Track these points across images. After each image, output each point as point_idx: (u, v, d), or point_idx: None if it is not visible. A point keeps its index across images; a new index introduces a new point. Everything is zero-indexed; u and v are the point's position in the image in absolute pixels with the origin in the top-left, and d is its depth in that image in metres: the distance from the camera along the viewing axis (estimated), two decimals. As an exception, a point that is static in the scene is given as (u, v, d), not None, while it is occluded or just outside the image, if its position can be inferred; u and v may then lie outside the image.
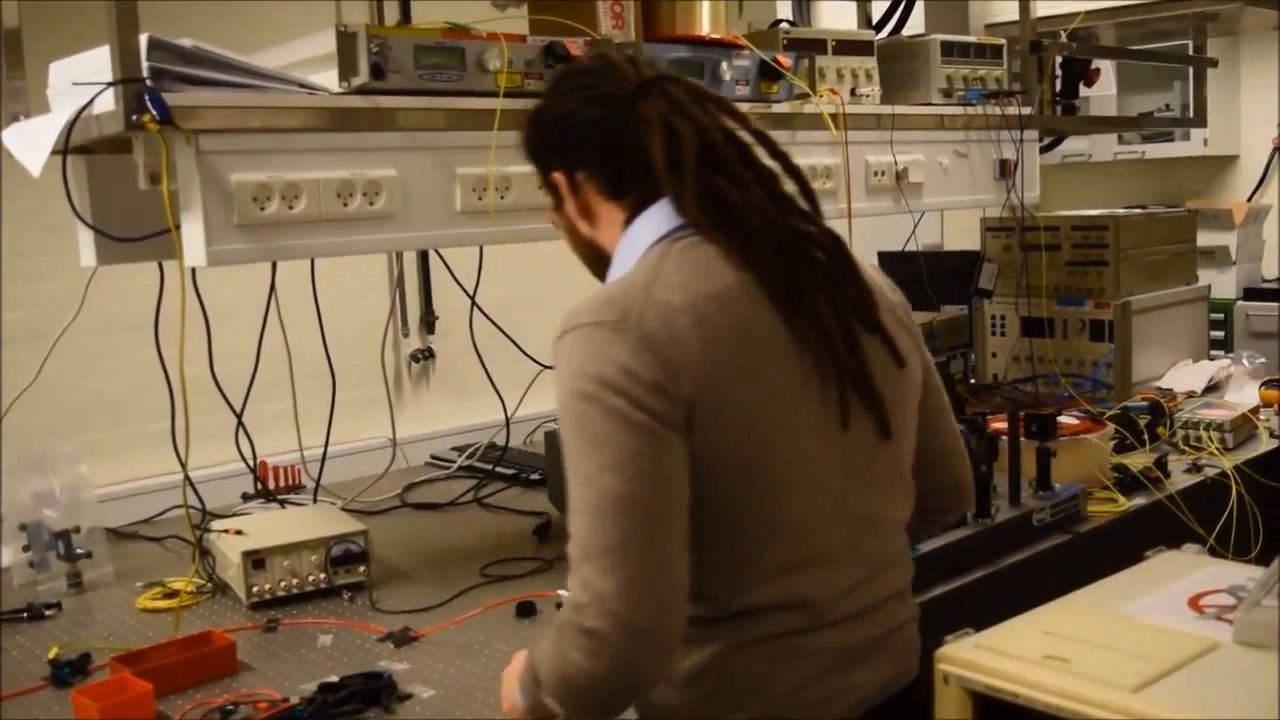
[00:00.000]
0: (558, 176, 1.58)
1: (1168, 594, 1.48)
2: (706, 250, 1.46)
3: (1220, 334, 4.56)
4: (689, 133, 1.48)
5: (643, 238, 1.51)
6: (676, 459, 1.37)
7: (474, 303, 2.76)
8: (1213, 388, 3.47)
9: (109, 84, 1.77)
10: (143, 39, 1.78)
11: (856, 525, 1.52)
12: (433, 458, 3.34)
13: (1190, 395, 3.40)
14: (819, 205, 1.56)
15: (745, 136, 1.55)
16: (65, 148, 1.89)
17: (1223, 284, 4.74)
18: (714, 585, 1.45)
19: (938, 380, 1.70)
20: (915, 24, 3.76)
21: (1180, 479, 2.75)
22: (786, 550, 1.46)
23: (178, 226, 1.84)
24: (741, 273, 1.44)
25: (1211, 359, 3.70)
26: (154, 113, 1.73)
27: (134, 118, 1.74)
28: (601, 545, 1.33)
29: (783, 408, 1.44)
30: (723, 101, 1.58)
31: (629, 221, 1.54)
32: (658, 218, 1.51)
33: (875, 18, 3.75)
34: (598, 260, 1.61)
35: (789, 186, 1.55)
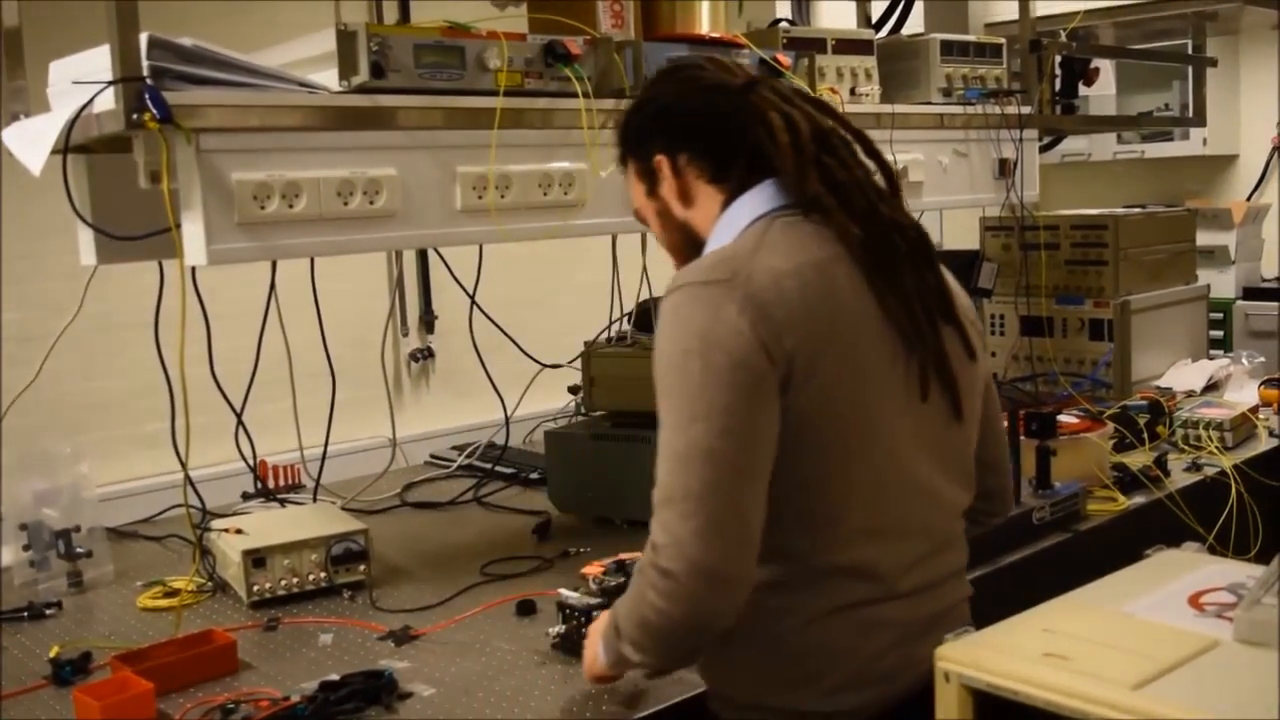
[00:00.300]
0: (660, 160, 1.67)
1: (1168, 592, 1.48)
2: (806, 227, 1.56)
3: (1219, 333, 4.57)
4: (804, 119, 1.59)
5: (743, 215, 1.61)
6: (768, 416, 1.46)
7: (474, 302, 2.76)
8: (1212, 387, 3.48)
9: (110, 83, 1.77)
10: (143, 38, 1.78)
11: (924, 498, 1.61)
12: (432, 457, 3.34)
13: (1190, 394, 3.41)
14: (903, 200, 1.67)
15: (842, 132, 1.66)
16: (66, 147, 1.89)
17: (1222, 283, 4.75)
18: (794, 542, 1.52)
19: (994, 388, 1.81)
20: (915, 23, 3.77)
21: (1180, 478, 2.75)
22: (862, 514, 1.54)
23: (178, 225, 1.84)
24: (839, 247, 1.55)
25: (1211, 358, 3.71)
26: (154, 111, 1.73)
27: (134, 116, 1.74)
28: (683, 491, 1.42)
29: (871, 374, 1.53)
30: (820, 102, 1.69)
31: (728, 202, 1.63)
32: (759, 198, 1.61)
33: (874, 17, 3.76)
34: (688, 242, 1.69)
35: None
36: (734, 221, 1.61)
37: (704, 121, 1.65)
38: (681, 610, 1.42)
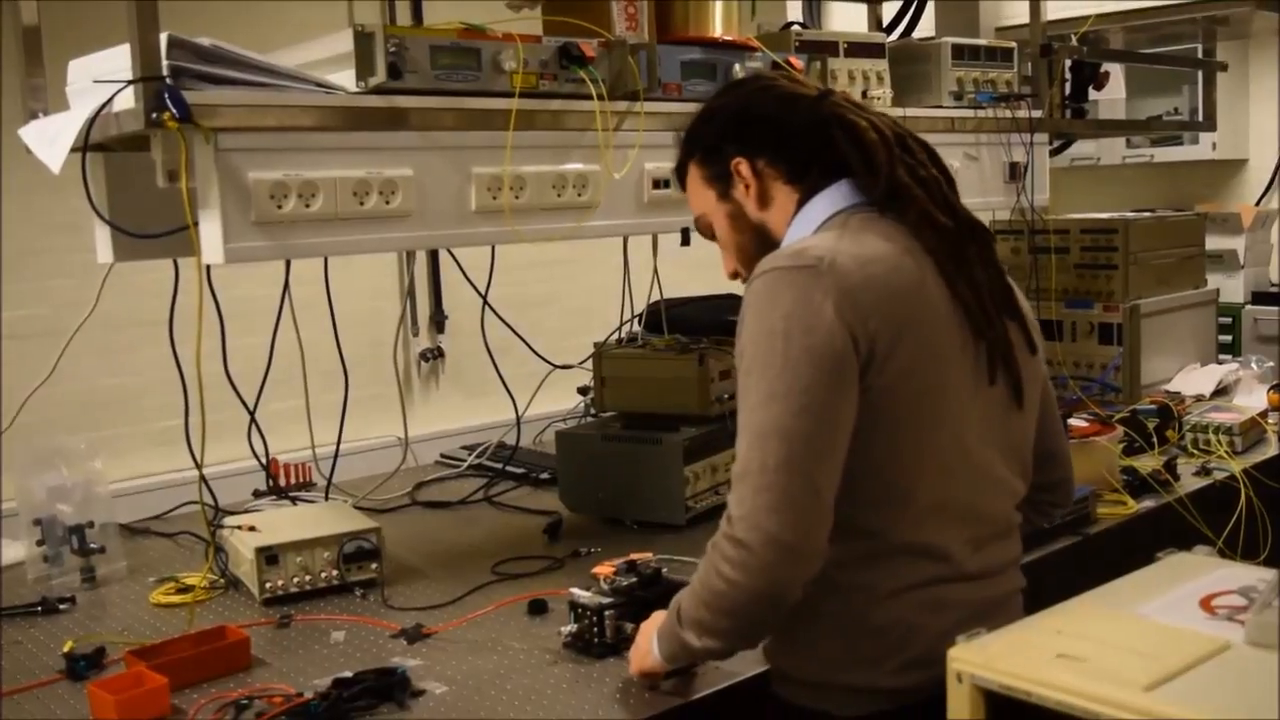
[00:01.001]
0: (740, 162, 1.73)
1: (1180, 595, 1.49)
2: (884, 221, 1.64)
3: (1228, 338, 4.57)
4: (882, 124, 1.69)
5: (819, 212, 1.68)
6: (847, 398, 1.52)
7: (486, 302, 2.77)
8: (1221, 391, 3.48)
9: (130, 82, 1.78)
10: (163, 38, 1.79)
11: (988, 483, 1.68)
12: (442, 456, 3.35)
13: (1199, 399, 3.41)
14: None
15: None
16: (85, 145, 1.90)
17: (1231, 288, 4.75)
18: (866, 520, 1.58)
19: (1051, 386, 1.88)
20: (926, 27, 3.77)
21: (1189, 482, 2.75)
22: (931, 493, 1.61)
23: (195, 224, 1.85)
24: (914, 240, 1.63)
25: (1220, 363, 3.71)
26: (174, 111, 1.74)
27: (154, 115, 1.75)
28: (759, 466, 1.49)
29: (944, 359, 1.60)
30: (883, 114, 1.75)
31: (804, 201, 1.70)
32: (834, 195, 1.69)
33: (886, 20, 3.76)
34: (760, 242, 1.75)
35: None
36: (810, 217, 1.69)
37: (784, 125, 1.72)
38: (753, 581, 1.48)
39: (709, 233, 1.84)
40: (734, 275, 1.84)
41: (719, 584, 1.51)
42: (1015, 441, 1.73)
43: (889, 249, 1.60)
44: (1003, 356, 1.66)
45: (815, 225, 1.67)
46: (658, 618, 1.72)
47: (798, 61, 2.53)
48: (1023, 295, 1.78)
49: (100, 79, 1.88)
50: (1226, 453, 2.90)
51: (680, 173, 1.85)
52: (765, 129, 1.73)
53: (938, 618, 1.58)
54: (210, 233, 1.86)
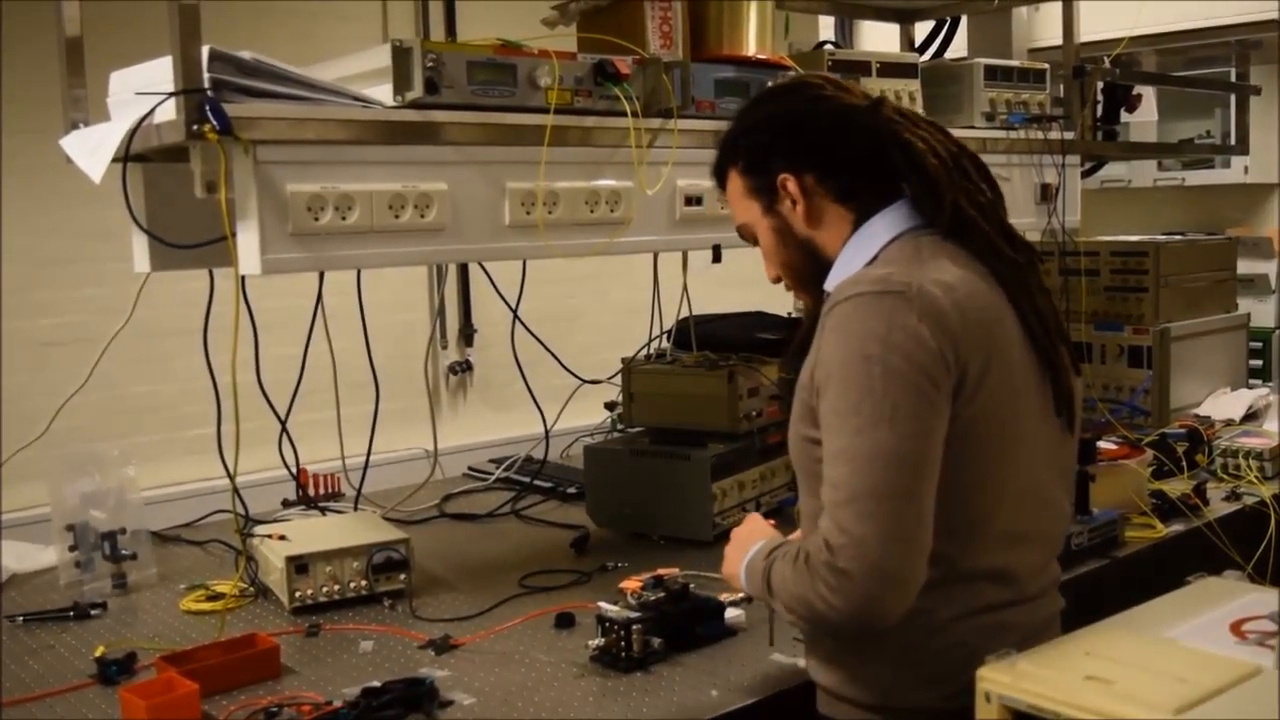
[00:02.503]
0: (787, 179, 1.70)
1: (1210, 619, 1.48)
2: (951, 246, 1.63)
3: (1259, 363, 4.54)
4: (936, 142, 1.64)
5: (880, 234, 1.66)
6: (941, 422, 1.51)
7: (516, 316, 2.78)
8: (1251, 416, 3.46)
9: (171, 94, 1.81)
10: (204, 51, 1.81)
11: (1050, 508, 1.70)
12: (470, 469, 3.37)
13: (1229, 423, 3.39)
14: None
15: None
16: (126, 155, 1.92)
17: (1262, 313, 4.72)
18: (946, 546, 1.54)
19: None
20: (959, 47, 3.78)
21: (1219, 507, 2.74)
22: (1007, 520, 1.61)
23: (233, 234, 1.87)
24: (983, 266, 1.62)
25: (1250, 387, 3.69)
26: (214, 123, 1.76)
27: (194, 127, 1.77)
28: (866, 492, 1.46)
29: (1021, 388, 1.60)
30: (936, 124, 1.72)
31: (859, 221, 1.68)
32: (894, 217, 1.66)
33: (919, 40, 3.77)
34: (808, 259, 1.73)
35: None
36: (870, 240, 1.66)
37: (836, 142, 1.69)
38: (853, 608, 1.46)
39: (751, 240, 1.81)
40: (776, 280, 1.81)
41: (818, 604, 1.49)
42: (1067, 465, 1.75)
43: (968, 275, 1.59)
44: (1066, 388, 1.67)
45: (877, 248, 1.65)
46: (744, 536, 1.73)
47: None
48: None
49: (142, 91, 1.90)
50: (1256, 478, 2.89)
51: (719, 177, 1.81)
52: (817, 147, 1.69)
53: (995, 641, 1.54)
54: (247, 244, 1.88)
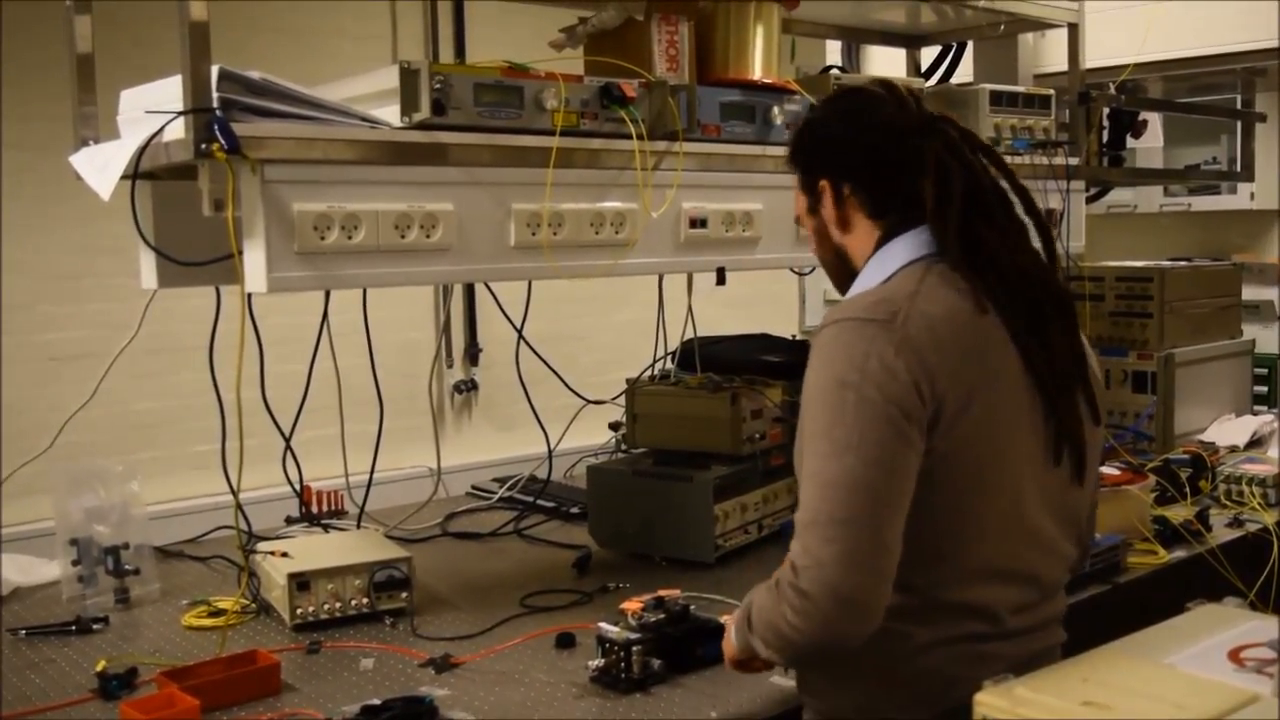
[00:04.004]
0: (825, 185, 1.73)
1: (1208, 646, 1.48)
2: (958, 277, 1.63)
3: (1264, 389, 4.53)
4: (959, 175, 1.64)
5: (897, 257, 1.67)
6: (912, 454, 1.52)
7: (521, 336, 2.79)
8: (1256, 442, 3.46)
9: (181, 112, 1.82)
10: (214, 70, 1.83)
11: (1041, 550, 1.68)
12: (473, 488, 3.37)
13: (1233, 450, 3.39)
14: (1058, 261, 1.74)
15: (1005, 186, 1.70)
16: (135, 173, 1.94)
17: (1267, 339, 4.71)
18: (918, 576, 1.57)
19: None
20: (964, 72, 3.79)
21: (1221, 533, 2.74)
22: (983, 556, 1.61)
23: (240, 252, 1.89)
24: (988, 303, 1.61)
25: (1255, 414, 3.69)
26: (222, 142, 1.78)
27: (203, 146, 1.79)
28: (828, 517, 1.49)
29: (1009, 426, 1.60)
30: (992, 152, 1.72)
31: (884, 239, 1.69)
32: (915, 241, 1.67)
33: (925, 65, 3.78)
34: (840, 264, 1.77)
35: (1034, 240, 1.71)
36: (887, 261, 1.67)
37: (873, 160, 1.70)
38: (814, 629, 1.49)
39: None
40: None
41: (782, 625, 1.51)
42: (1072, 512, 1.73)
43: (965, 307, 1.59)
44: (1070, 435, 1.65)
45: (890, 271, 1.66)
46: (740, 610, 1.71)
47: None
48: (1095, 361, 1.77)
49: (151, 109, 1.92)
50: (1260, 504, 2.89)
51: (791, 169, 1.83)
52: (854, 158, 1.71)
53: (978, 669, 1.53)
54: (254, 262, 1.89)
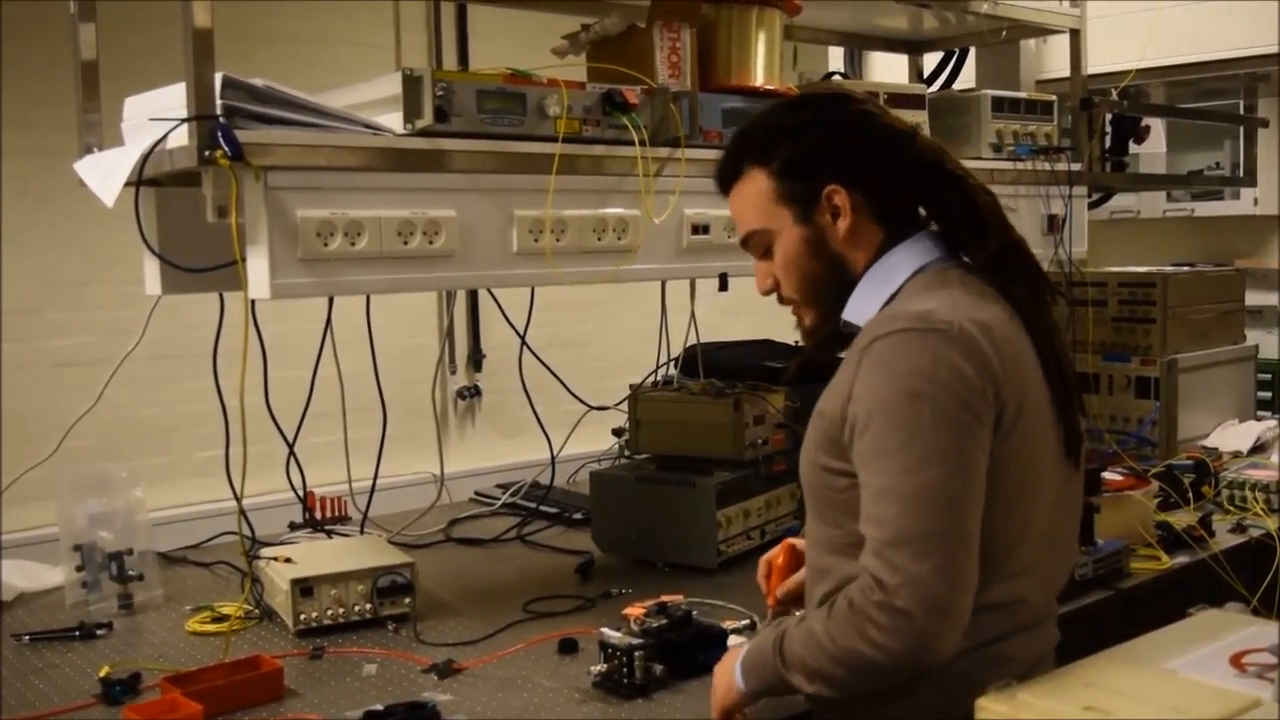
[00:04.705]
0: (835, 190, 1.66)
1: (1210, 651, 1.49)
2: (977, 282, 1.63)
3: (1268, 394, 4.54)
4: (963, 176, 1.65)
5: (905, 264, 1.66)
6: (984, 459, 1.52)
7: (524, 342, 2.80)
8: (1259, 448, 3.46)
9: (185, 119, 1.83)
10: (217, 78, 1.84)
11: (1056, 545, 1.70)
12: (476, 494, 3.37)
13: (1236, 455, 3.39)
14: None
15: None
16: (139, 180, 1.95)
17: (1270, 344, 4.72)
18: None
19: None
20: (966, 78, 3.80)
21: (1225, 539, 2.73)
22: (1022, 559, 1.61)
23: (243, 259, 1.89)
24: (1009, 307, 1.62)
25: (1258, 419, 3.69)
26: (226, 149, 1.79)
27: (207, 153, 1.80)
28: (918, 531, 1.46)
29: (1045, 427, 1.61)
30: (959, 161, 1.71)
31: (886, 245, 1.67)
32: (919, 248, 1.67)
33: (927, 71, 3.79)
34: (833, 274, 1.70)
35: None
36: (892, 271, 1.66)
37: (891, 162, 1.67)
38: (908, 647, 1.45)
39: (760, 249, 1.75)
40: (769, 292, 1.76)
41: (864, 649, 1.47)
42: (1075, 503, 1.75)
43: (999, 313, 1.59)
44: (1076, 429, 1.67)
45: (902, 278, 1.64)
46: (733, 657, 1.69)
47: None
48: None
49: (156, 116, 1.93)
50: (1263, 510, 2.88)
51: (733, 174, 1.74)
52: (870, 161, 1.67)
53: (997, 672, 1.53)
54: (257, 268, 1.90)
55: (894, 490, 1.48)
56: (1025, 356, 1.59)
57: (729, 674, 1.68)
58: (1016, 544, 1.59)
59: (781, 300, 1.77)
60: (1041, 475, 1.61)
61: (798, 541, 1.93)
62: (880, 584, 1.46)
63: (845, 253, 1.69)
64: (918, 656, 1.47)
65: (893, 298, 1.65)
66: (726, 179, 1.77)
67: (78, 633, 2.25)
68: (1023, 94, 3.16)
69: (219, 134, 1.80)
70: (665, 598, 2.07)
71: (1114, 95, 3.48)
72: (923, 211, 1.72)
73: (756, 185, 1.71)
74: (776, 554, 1.98)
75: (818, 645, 1.53)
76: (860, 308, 1.68)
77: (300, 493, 2.74)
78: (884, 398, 1.51)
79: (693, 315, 3.03)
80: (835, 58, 4.24)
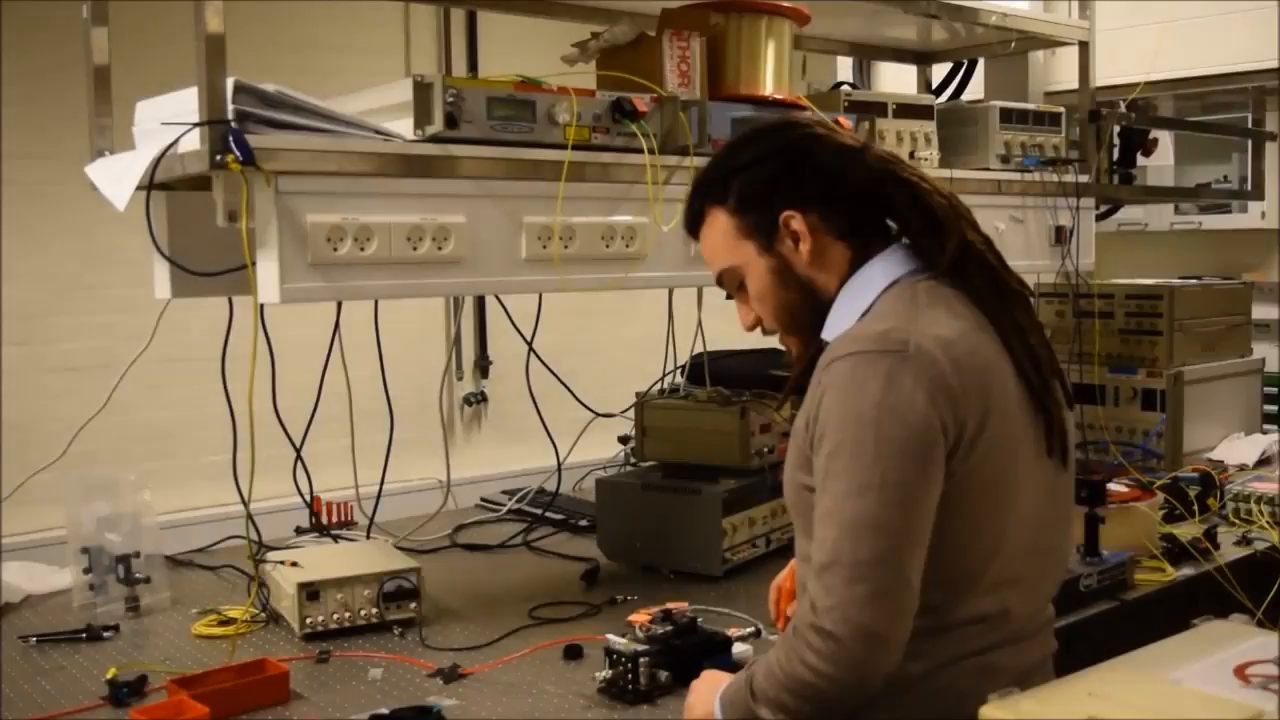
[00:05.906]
0: (791, 216, 1.67)
1: (1214, 662, 1.48)
2: (946, 291, 1.63)
3: (1274, 408, 4.53)
4: (938, 185, 1.66)
5: (878, 279, 1.66)
6: (934, 486, 1.51)
7: (531, 349, 2.80)
8: (1264, 461, 3.46)
9: (196, 124, 1.84)
10: (229, 83, 1.85)
11: (1045, 553, 1.68)
12: (483, 500, 3.38)
13: (1241, 468, 3.39)
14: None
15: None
16: (150, 184, 1.96)
17: (1276, 358, 4.71)
18: (933, 596, 1.54)
19: None
20: (975, 89, 3.80)
21: (1230, 551, 2.73)
22: (1000, 569, 1.60)
23: (253, 263, 1.90)
24: (979, 311, 1.62)
25: (1264, 432, 3.69)
26: (237, 153, 1.80)
27: (218, 157, 1.81)
28: (850, 557, 1.46)
29: (1018, 437, 1.59)
30: (915, 166, 1.72)
31: (856, 262, 1.67)
32: (890, 261, 1.67)
33: (935, 82, 3.80)
34: (806, 300, 1.70)
35: None
36: (865, 286, 1.66)
37: (841, 179, 1.68)
38: (841, 673, 1.46)
39: (734, 285, 1.76)
40: (753, 327, 1.79)
41: (804, 673, 1.47)
42: (1064, 502, 1.73)
43: (965, 326, 1.58)
44: (1057, 425, 1.65)
45: (874, 293, 1.64)
46: (709, 678, 1.68)
47: (846, 121, 2.57)
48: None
49: (167, 120, 1.94)
50: (1268, 523, 2.88)
51: (697, 219, 1.77)
52: (821, 182, 1.67)
53: (987, 683, 1.52)
54: (267, 272, 1.91)
55: (833, 514, 1.49)
56: (992, 366, 1.58)
57: (708, 703, 1.65)
58: (992, 556, 1.58)
59: (765, 333, 1.80)
60: (1017, 485, 1.59)
61: None
62: (814, 607, 1.48)
63: (813, 276, 1.69)
64: (850, 681, 1.46)
65: (866, 314, 1.64)
66: (692, 224, 1.79)
67: (85, 635, 2.25)
68: (1031, 105, 3.17)
69: (231, 139, 1.81)
70: (670, 605, 2.07)
71: (1122, 107, 3.48)
72: (893, 225, 1.72)
73: (719, 225, 1.74)
74: (785, 577, 2.01)
75: (771, 673, 1.53)
76: (836, 327, 1.67)
77: (307, 497, 2.75)
78: (834, 421, 1.51)
79: (699, 323, 3.04)
80: (844, 68, 4.26)
